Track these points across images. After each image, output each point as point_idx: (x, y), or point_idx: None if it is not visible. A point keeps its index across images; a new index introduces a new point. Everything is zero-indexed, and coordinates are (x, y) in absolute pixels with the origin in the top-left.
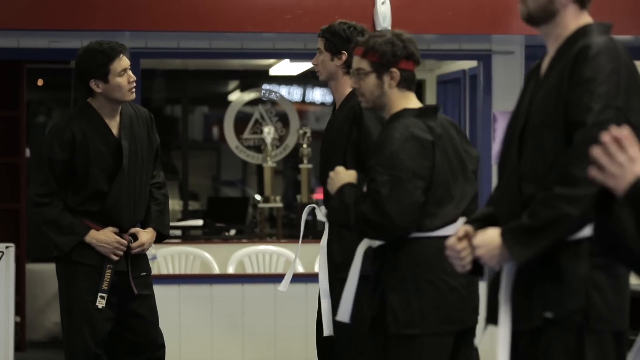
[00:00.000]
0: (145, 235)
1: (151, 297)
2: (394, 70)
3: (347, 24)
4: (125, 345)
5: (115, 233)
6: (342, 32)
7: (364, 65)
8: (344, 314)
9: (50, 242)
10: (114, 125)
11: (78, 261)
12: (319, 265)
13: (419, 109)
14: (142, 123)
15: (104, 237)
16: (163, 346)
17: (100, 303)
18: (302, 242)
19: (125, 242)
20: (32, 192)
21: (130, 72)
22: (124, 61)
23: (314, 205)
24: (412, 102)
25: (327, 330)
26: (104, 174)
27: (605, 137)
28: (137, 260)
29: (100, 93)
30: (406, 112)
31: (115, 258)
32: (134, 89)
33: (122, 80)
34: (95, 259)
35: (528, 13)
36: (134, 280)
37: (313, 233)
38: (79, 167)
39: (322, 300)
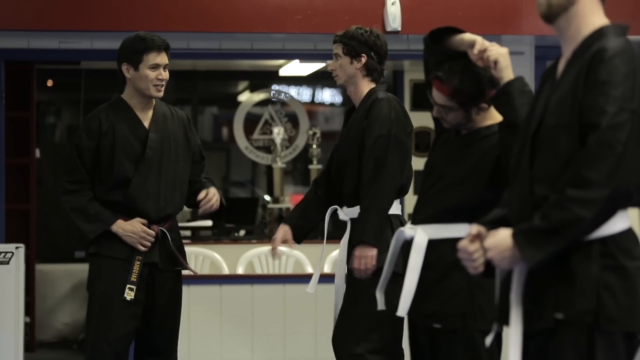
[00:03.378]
0: (213, 189)
1: (176, 291)
2: (483, 105)
3: (362, 29)
4: (141, 341)
5: (144, 224)
6: (359, 36)
7: (452, 104)
8: (404, 309)
9: (60, 242)
10: (145, 118)
11: (108, 255)
12: (338, 262)
13: None
14: (178, 122)
15: (130, 227)
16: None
17: (129, 295)
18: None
19: (153, 232)
20: (62, 180)
21: (162, 71)
22: (160, 57)
23: (336, 207)
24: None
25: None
26: (129, 162)
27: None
28: (170, 254)
29: (130, 79)
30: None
31: (143, 249)
32: (161, 87)
33: (150, 73)
34: (125, 252)
35: (548, 4)
36: (164, 274)
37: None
38: (105, 153)
39: (335, 296)
